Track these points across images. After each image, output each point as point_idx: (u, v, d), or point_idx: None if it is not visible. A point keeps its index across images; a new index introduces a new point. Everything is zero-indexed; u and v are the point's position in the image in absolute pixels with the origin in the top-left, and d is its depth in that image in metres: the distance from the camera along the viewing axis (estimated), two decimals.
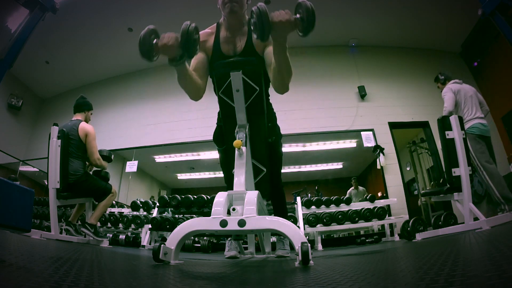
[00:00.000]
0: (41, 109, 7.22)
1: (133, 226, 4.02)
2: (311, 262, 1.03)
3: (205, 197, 4.17)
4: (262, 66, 1.52)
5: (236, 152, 1.38)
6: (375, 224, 4.25)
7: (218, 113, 1.74)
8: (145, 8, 5.16)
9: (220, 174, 1.94)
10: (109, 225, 4.10)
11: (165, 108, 6.19)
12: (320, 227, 3.96)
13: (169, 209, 4.24)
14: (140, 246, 3.77)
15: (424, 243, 2.18)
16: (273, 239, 2.51)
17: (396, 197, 4.70)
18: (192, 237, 3.84)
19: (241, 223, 1.12)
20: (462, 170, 2.49)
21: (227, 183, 1.78)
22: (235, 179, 1.32)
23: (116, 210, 4.50)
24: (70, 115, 3.10)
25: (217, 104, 1.62)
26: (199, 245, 3.86)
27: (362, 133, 5.38)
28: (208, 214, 1.51)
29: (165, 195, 4.53)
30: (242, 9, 1.54)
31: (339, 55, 6.29)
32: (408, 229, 3.05)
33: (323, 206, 4.23)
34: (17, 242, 1.46)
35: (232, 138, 1.44)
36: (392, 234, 4.11)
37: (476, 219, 2.36)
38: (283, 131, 1.86)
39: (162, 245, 1.10)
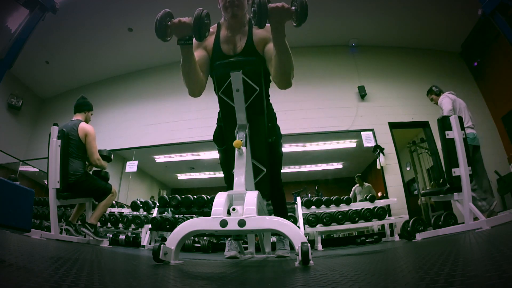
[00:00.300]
0: (41, 109, 7.22)
1: (133, 226, 4.02)
2: (311, 262, 1.03)
3: (205, 197, 4.17)
4: (263, 66, 1.52)
5: (236, 152, 1.38)
6: (375, 224, 4.25)
7: (218, 113, 1.74)
8: (145, 8, 5.15)
9: (220, 174, 1.94)
10: (109, 225, 4.10)
11: (165, 108, 6.19)
12: (320, 227, 3.96)
13: (169, 209, 4.24)
14: (140, 246, 3.77)
15: (424, 243, 2.18)
16: (273, 239, 2.51)
17: (396, 197, 4.69)
18: (192, 237, 3.84)
19: (241, 223, 1.12)
20: (462, 170, 2.49)
21: (227, 183, 1.78)
22: (235, 179, 1.32)
23: (116, 210, 4.50)
24: (70, 115, 3.10)
25: (217, 104, 1.62)
26: (199, 245, 3.86)
27: (362, 133, 5.38)
28: (208, 214, 1.51)
29: (165, 195, 4.53)
30: (243, 11, 1.55)
31: (339, 55, 6.29)
32: (408, 229, 3.05)
33: (323, 206, 4.23)
34: (17, 242, 1.46)
35: (232, 138, 1.44)
36: (392, 234, 4.11)
37: (476, 219, 2.36)
38: (283, 131, 1.86)
39: (162, 245, 1.10)
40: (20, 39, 1.71)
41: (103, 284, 0.58)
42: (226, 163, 1.73)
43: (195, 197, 4.21)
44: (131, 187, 6.22)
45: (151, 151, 6.37)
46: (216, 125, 1.81)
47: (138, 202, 4.34)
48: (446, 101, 3.28)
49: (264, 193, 1.60)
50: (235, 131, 1.47)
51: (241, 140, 1.39)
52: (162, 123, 6.11)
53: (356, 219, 4.04)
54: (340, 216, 4.02)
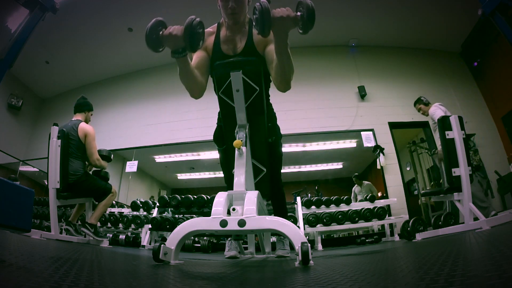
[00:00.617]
0: (41, 109, 7.22)
1: (133, 226, 4.02)
2: (311, 262, 1.03)
3: (205, 197, 4.17)
4: (263, 66, 1.52)
5: (236, 152, 1.38)
6: (375, 224, 4.25)
7: (218, 113, 1.74)
8: (145, 8, 5.16)
9: (220, 174, 1.94)
10: (109, 225, 4.10)
11: (165, 108, 6.19)
12: (320, 227, 3.96)
13: (169, 209, 4.24)
14: (140, 246, 3.77)
15: (424, 243, 2.18)
16: (273, 239, 2.51)
17: (396, 197, 4.69)
18: (192, 237, 3.84)
19: (241, 223, 1.12)
20: (462, 170, 2.49)
21: (227, 183, 1.78)
22: (235, 179, 1.32)
23: (116, 210, 4.50)
24: (70, 115, 3.10)
25: (217, 104, 1.62)
26: (199, 245, 3.86)
27: (362, 133, 5.38)
28: (208, 214, 1.51)
29: (165, 195, 4.53)
30: (244, 13, 1.54)
31: (339, 55, 6.29)
32: (408, 229, 3.05)
33: (323, 206, 4.23)
34: (17, 242, 1.46)
35: (232, 138, 1.44)
36: (392, 234, 4.10)
37: (476, 219, 2.36)
38: (283, 131, 1.86)
39: (162, 245, 1.10)
40: (20, 39, 1.71)
41: (103, 284, 0.58)
42: (226, 163, 1.73)
43: (195, 197, 4.21)
44: (131, 187, 6.22)
45: (151, 151, 6.36)
46: (216, 125, 1.82)
47: (138, 202, 4.34)
48: (440, 112, 3.42)
49: (264, 193, 1.60)
50: (235, 131, 1.47)
51: (241, 140, 1.39)
52: (162, 123, 6.11)
53: (356, 219, 4.04)
54: (340, 216, 4.01)
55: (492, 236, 1.53)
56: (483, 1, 1.98)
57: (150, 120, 6.20)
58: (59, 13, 1.93)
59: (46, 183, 2.80)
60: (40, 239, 2.35)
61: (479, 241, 1.31)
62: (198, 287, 0.66)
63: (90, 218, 2.81)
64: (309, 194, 5.00)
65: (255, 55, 1.53)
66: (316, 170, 6.96)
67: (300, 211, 4.09)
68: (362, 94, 5.75)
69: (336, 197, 4.30)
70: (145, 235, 3.80)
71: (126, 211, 4.45)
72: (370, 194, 4.74)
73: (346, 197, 4.34)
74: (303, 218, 3.98)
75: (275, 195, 1.94)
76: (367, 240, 4.08)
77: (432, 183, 5.33)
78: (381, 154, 5.14)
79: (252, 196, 1.21)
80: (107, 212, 4.11)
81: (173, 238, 1.16)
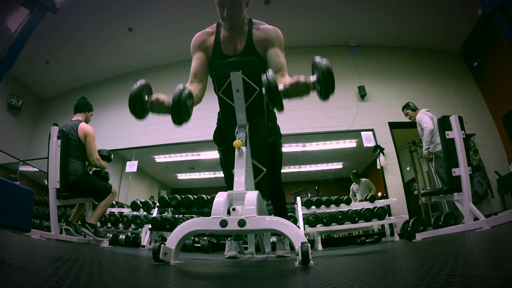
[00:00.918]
0: (41, 109, 7.21)
1: (133, 226, 4.02)
2: (311, 262, 1.03)
3: (205, 197, 4.17)
4: (263, 66, 1.52)
5: (236, 152, 1.38)
6: (375, 224, 4.25)
7: (218, 113, 1.75)
8: (145, 8, 5.16)
9: (220, 174, 1.94)
10: (109, 225, 4.10)
11: None
12: (320, 227, 3.96)
13: (169, 209, 4.24)
14: (140, 246, 3.77)
15: (424, 243, 2.18)
16: (273, 239, 2.51)
17: (396, 197, 4.69)
18: (192, 237, 3.84)
19: (241, 223, 1.12)
20: (462, 170, 2.49)
21: (227, 183, 1.78)
22: (235, 179, 1.32)
23: (116, 210, 4.50)
24: (70, 115, 3.10)
25: (217, 104, 1.62)
26: (199, 245, 3.86)
27: (362, 133, 5.38)
28: (208, 214, 1.51)
29: (165, 195, 4.53)
30: (241, 17, 1.51)
31: (339, 55, 6.28)
32: (408, 229, 3.05)
33: (323, 206, 4.23)
34: (17, 242, 1.46)
35: (232, 138, 1.44)
36: (392, 234, 4.10)
37: (476, 219, 2.36)
38: (283, 131, 1.86)
39: (162, 245, 1.10)
40: (20, 39, 1.71)
41: (103, 284, 0.58)
42: (226, 163, 1.73)
43: (195, 197, 4.21)
44: (131, 187, 6.22)
45: (151, 151, 6.36)
46: (216, 125, 1.82)
47: (138, 202, 4.34)
48: (427, 119, 3.54)
49: (264, 193, 1.60)
50: (235, 131, 1.47)
51: (241, 140, 1.38)
52: (162, 123, 6.08)
53: (356, 219, 4.04)
54: (340, 216, 4.02)
55: (492, 236, 1.53)
56: (483, 1, 1.98)
57: (150, 120, 6.07)
58: (59, 13, 1.93)
59: (46, 183, 2.80)
60: (40, 239, 2.35)
61: (479, 241, 1.31)
62: (198, 287, 0.66)
63: (90, 218, 2.81)
64: (309, 194, 5.00)
65: (255, 55, 1.54)
66: (316, 170, 6.96)
67: (300, 211, 4.09)
68: (362, 94, 5.75)
69: (336, 197, 4.30)
70: (145, 235, 3.80)
71: (126, 211, 4.45)
72: (370, 194, 4.75)
73: (346, 197, 4.34)
74: (303, 218, 3.98)
75: (275, 195, 1.94)
76: (367, 240, 4.08)
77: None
78: (381, 154, 5.14)
79: (252, 196, 1.21)
80: (107, 212, 4.11)
81: (173, 238, 1.16)
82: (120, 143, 5.92)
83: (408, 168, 5.98)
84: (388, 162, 5.21)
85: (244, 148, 1.38)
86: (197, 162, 6.77)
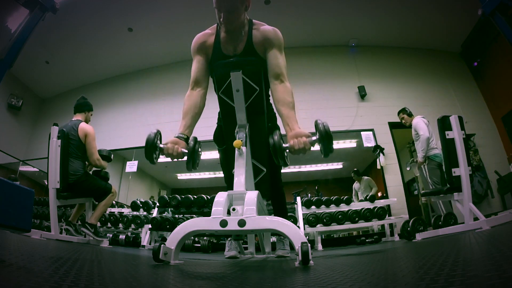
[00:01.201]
0: (41, 109, 7.22)
1: (133, 226, 4.02)
2: (311, 262, 1.03)
3: (205, 197, 4.17)
4: (263, 66, 1.52)
5: (236, 152, 1.38)
6: (375, 224, 4.25)
7: (218, 113, 1.75)
8: (145, 8, 5.16)
9: (220, 174, 1.95)
10: (109, 225, 4.10)
11: (165, 108, 6.19)
12: (320, 227, 3.96)
13: (169, 209, 4.24)
14: (140, 246, 3.77)
15: (424, 243, 2.18)
16: (273, 239, 2.51)
17: (396, 197, 4.69)
18: (192, 237, 3.84)
19: (241, 223, 1.12)
20: (462, 170, 2.49)
21: (227, 183, 1.78)
22: (235, 179, 1.32)
23: (116, 210, 4.50)
24: (70, 115, 3.10)
25: (217, 104, 1.63)
26: (199, 245, 3.86)
27: (362, 133, 5.38)
28: (208, 214, 1.51)
29: (165, 195, 4.53)
30: (239, 19, 1.48)
31: (339, 55, 6.28)
32: (408, 229, 3.05)
33: (323, 206, 4.23)
34: (17, 242, 1.46)
35: (232, 138, 1.44)
36: (392, 234, 4.10)
37: (476, 219, 2.36)
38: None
39: (162, 245, 1.10)
40: (20, 39, 1.71)
41: (103, 284, 0.58)
42: (226, 163, 1.73)
43: (195, 197, 4.21)
44: (131, 187, 6.22)
45: None
46: (216, 125, 1.82)
47: (138, 202, 4.34)
48: (423, 126, 3.59)
49: (264, 193, 1.60)
50: (235, 131, 1.47)
51: (241, 140, 1.39)
52: (162, 123, 6.10)
53: (356, 219, 4.04)
54: (340, 216, 4.02)
55: (492, 236, 1.53)
56: (483, 1, 1.98)
57: (150, 120, 6.20)
58: (59, 13, 1.93)
59: (46, 183, 2.80)
60: (40, 239, 2.35)
61: (479, 241, 1.31)
62: (198, 287, 0.66)
63: (90, 218, 2.81)
64: (309, 194, 5.00)
65: (255, 55, 1.53)
66: (316, 170, 6.96)
67: (300, 211, 4.09)
68: (362, 94, 5.75)
69: (336, 197, 4.30)
70: (145, 235, 3.80)
71: (126, 211, 4.45)
72: (370, 193, 4.75)
73: (346, 197, 4.34)
74: (303, 218, 3.98)
75: (275, 195, 1.94)
76: (367, 240, 4.08)
77: None
78: (381, 154, 5.14)
79: (252, 196, 1.21)
80: (107, 212, 4.11)
81: (173, 238, 1.16)
82: (120, 143, 5.92)
83: (408, 168, 5.97)
84: (388, 162, 5.21)
85: (244, 148, 1.38)
86: None
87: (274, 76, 1.47)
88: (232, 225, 1.12)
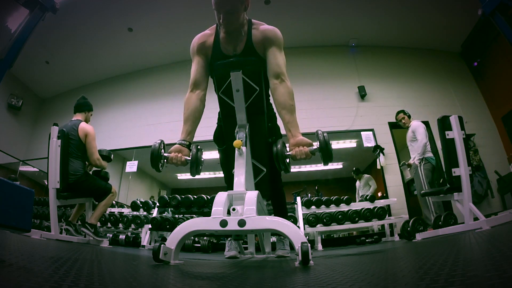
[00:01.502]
0: (41, 109, 7.22)
1: (133, 226, 4.02)
2: (311, 262, 1.03)
3: (205, 197, 4.17)
4: (263, 66, 1.52)
5: (236, 152, 1.38)
6: (375, 224, 4.25)
7: (218, 113, 1.75)
8: (145, 8, 5.16)
9: (220, 174, 1.94)
10: (109, 225, 4.10)
11: (165, 108, 6.19)
12: (320, 227, 3.96)
13: (169, 209, 4.24)
14: (140, 246, 3.77)
15: (424, 243, 2.18)
16: (273, 239, 2.51)
17: (396, 197, 4.69)
18: (192, 237, 3.84)
19: (241, 223, 1.12)
20: (462, 170, 2.49)
21: (227, 183, 1.78)
22: (235, 179, 1.32)
23: (116, 210, 4.50)
24: (70, 115, 3.10)
25: (217, 104, 1.63)
26: (199, 245, 3.86)
27: (362, 133, 5.38)
28: (208, 214, 1.51)
29: (165, 195, 4.53)
30: (238, 21, 1.47)
31: (339, 55, 6.28)
32: (408, 229, 3.05)
33: (323, 206, 4.23)
34: (17, 242, 1.46)
35: (232, 138, 1.44)
36: (392, 234, 4.11)
37: (476, 219, 2.36)
38: (283, 131, 1.86)
39: (162, 245, 1.10)
40: (20, 39, 1.71)
41: (103, 284, 0.58)
42: (226, 163, 1.73)
43: (195, 197, 4.21)
44: (131, 187, 6.22)
45: None
46: (216, 125, 1.81)
47: (138, 202, 4.34)
48: (422, 130, 3.72)
49: (264, 193, 1.60)
50: (235, 131, 1.47)
51: (241, 140, 1.39)
52: (162, 123, 6.10)
53: (356, 219, 4.04)
54: (340, 216, 4.02)
55: (492, 236, 1.53)
56: (483, 1, 1.98)
57: (150, 120, 6.20)
58: (59, 13, 1.93)
59: (46, 183, 2.80)
60: (40, 239, 2.35)
61: (479, 241, 1.31)
62: (198, 287, 0.66)
63: (90, 218, 2.81)
64: (309, 194, 5.00)
65: (255, 55, 1.53)
66: (316, 170, 6.95)
67: (300, 211, 4.09)
68: (362, 94, 5.75)
69: (336, 197, 4.30)
70: (145, 235, 3.80)
71: (126, 211, 4.45)
72: (369, 191, 4.76)
73: (346, 197, 4.34)
74: (303, 218, 3.98)
75: (275, 195, 1.94)
76: (367, 240, 4.08)
77: None
78: (381, 154, 5.14)
79: (252, 196, 1.21)
80: (107, 212, 4.11)
81: (173, 238, 1.16)
82: (120, 143, 5.92)
83: (408, 168, 5.98)
84: (388, 162, 5.21)
85: (244, 148, 1.38)
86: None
87: (274, 75, 1.46)
88: (232, 225, 1.12)
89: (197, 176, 1.47)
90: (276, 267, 1.25)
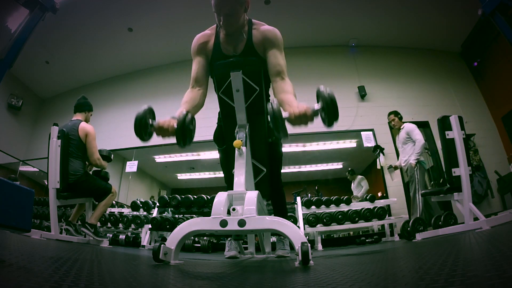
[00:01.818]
0: (41, 109, 7.21)
1: (133, 226, 4.02)
2: (311, 262, 1.03)
3: (205, 197, 4.17)
4: (263, 66, 1.52)
5: (236, 152, 1.38)
6: (375, 224, 4.25)
7: (218, 113, 1.75)
8: (145, 8, 5.16)
9: (220, 174, 1.95)
10: (109, 225, 4.10)
11: (165, 107, 6.15)
12: (320, 227, 3.96)
13: (169, 209, 4.24)
14: (140, 246, 3.77)
15: (424, 243, 2.18)
16: (273, 239, 2.51)
17: (396, 197, 4.69)
18: (192, 237, 3.84)
19: (241, 223, 1.12)
20: (462, 170, 2.49)
21: (227, 183, 1.78)
22: (235, 179, 1.32)
23: (116, 210, 4.50)
24: (70, 115, 3.10)
25: (217, 104, 1.63)
26: (199, 245, 3.86)
27: (362, 133, 5.38)
28: (208, 214, 1.51)
29: (165, 195, 4.53)
30: (238, 22, 1.47)
31: (339, 55, 6.28)
32: (408, 229, 3.05)
33: (323, 206, 4.23)
34: (17, 242, 1.46)
35: (232, 138, 1.44)
36: (392, 234, 4.10)
37: (476, 219, 2.36)
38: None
39: (162, 245, 1.10)
40: (20, 39, 1.71)
41: (103, 284, 0.58)
42: (226, 163, 1.73)
43: (195, 197, 4.21)
44: (131, 187, 6.22)
45: (151, 151, 6.36)
46: (216, 125, 1.82)
47: (138, 202, 4.34)
48: (418, 131, 3.76)
49: (264, 193, 1.60)
50: (235, 131, 1.47)
51: (241, 140, 1.39)
52: None
53: (356, 219, 4.04)
54: (340, 216, 4.02)
55: (492, 236, 1.53)
56: (483, 1, 1.98)
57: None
58: (59, 13, 1.93)
59: (46, 183, 2.80)
60: (40, 239, 2.35)
61: (479, 241, 1.31)
62: (198, 287, 0.66)
63: (90, 218, 2.81)
64: (309, 194, 5.00)
65: (255, 55, 1.53)
66: (316, 170, 6.96)
67: (300, 211, 4.09)
68: (362, 94, 5.75)
69: (336, 197, 4.29)
70: (145, 235, 3.80)
71: (126, 211, 4.45)
72: (360, 193, 4.77)
73: (346, 197, 4.34)
74: (303, 218, 3.98)
75: (275, 195, 1.94)
76: (367, 240, 4.08)
77: (432, 182, 5.33)
78: (381, 154, 5.13)
79: (252, 196, 1.21)
80: (107, 212, 4.11)
81: (173, 238, 1.16)
82: (120, 143, 5.91)
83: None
84: (388, 162, 5.19)
85: (244, 148, 1.38)
86: (197, 162, 6.77)
87: (275, 74, 1.47)
88: (232, 225, 1.12)
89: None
90: (276, 267, 1.25)
